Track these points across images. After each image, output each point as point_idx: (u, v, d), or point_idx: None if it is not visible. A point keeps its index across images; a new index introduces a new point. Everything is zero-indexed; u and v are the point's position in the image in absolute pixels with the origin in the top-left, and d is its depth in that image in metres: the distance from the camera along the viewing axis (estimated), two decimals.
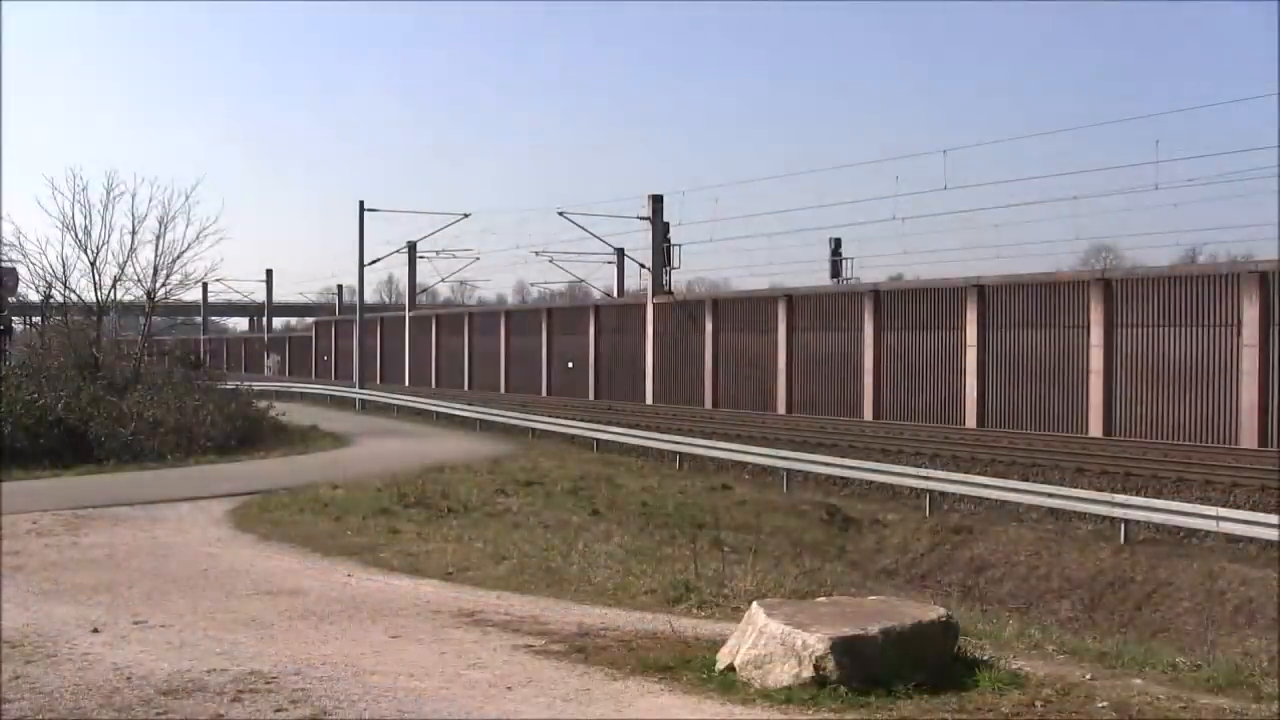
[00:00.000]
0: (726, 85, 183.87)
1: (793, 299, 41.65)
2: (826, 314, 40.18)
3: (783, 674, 6.62)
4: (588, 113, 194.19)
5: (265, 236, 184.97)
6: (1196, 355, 30.16)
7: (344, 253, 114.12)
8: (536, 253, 59.49)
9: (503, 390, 57.48)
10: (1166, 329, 30.71)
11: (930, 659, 6.80)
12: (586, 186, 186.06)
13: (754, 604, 7.23)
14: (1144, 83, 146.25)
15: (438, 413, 39.46)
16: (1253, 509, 17.69)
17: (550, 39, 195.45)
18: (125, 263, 29.07)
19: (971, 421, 34.31)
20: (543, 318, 57.72)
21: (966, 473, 22.43)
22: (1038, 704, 6.38)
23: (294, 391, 51.19)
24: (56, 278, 29.39)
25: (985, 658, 7.26)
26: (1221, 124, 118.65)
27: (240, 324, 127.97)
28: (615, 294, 60.84)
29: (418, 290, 73.69)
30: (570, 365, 53.98)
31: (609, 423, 32.63)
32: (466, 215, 54.02)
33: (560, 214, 52.57)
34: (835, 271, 51.05)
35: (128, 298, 30.91)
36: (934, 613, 7.17)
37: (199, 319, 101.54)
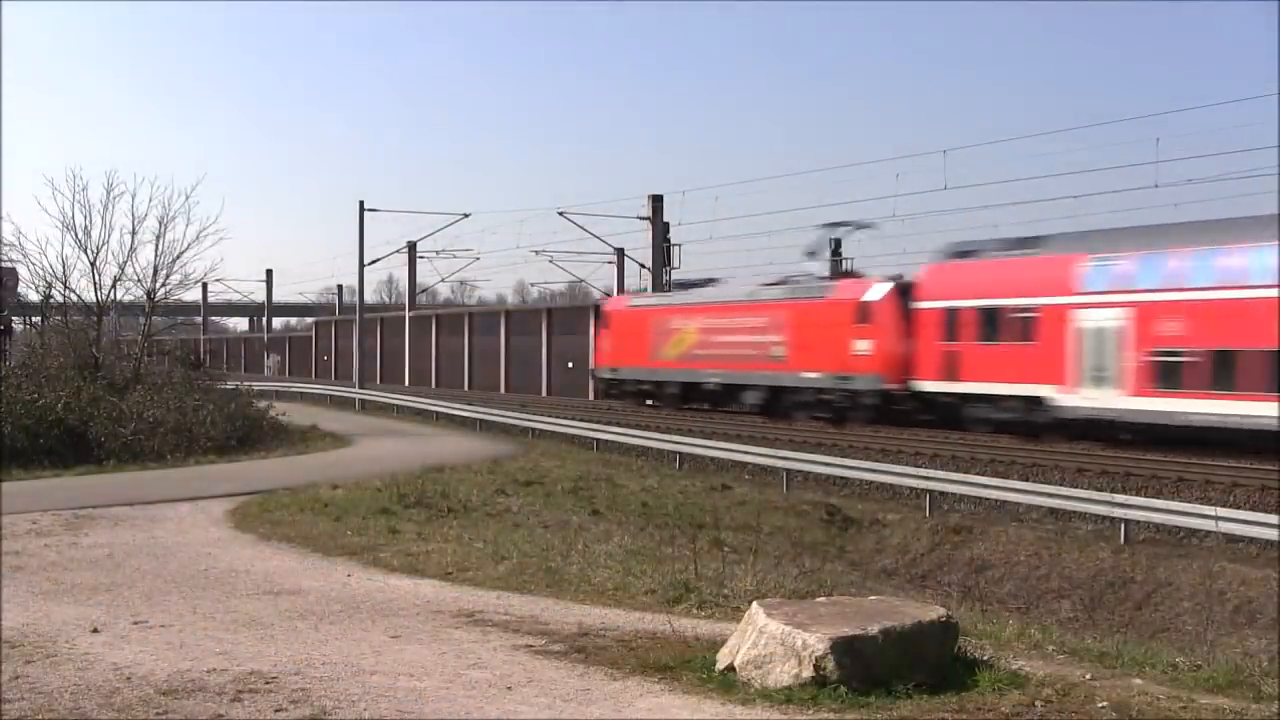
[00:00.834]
0: (726, 85, 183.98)
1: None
2: None
3: (783, 674, 6.62)
4: (588, 112, 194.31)
5: (265, 236, 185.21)
6: None
7: (344, 253, 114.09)
8: (536, 252, 59.41)
9: (503, 390, 57.56)
10: None
11: (930, 659, 6.80)
12: (587, 186, 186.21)
13: (754, 604, 7.23)
14: (1144, 83, 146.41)
15: (438, 413, 39.46)
16: (1253, 509, 17.69)
17: (551, 39, 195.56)
18: (125, 263, 29.08)
19: None
20: (543, 318, 57.91)
21: (966, 473, 22.42)
22: (1038, 704, 6.39)
23: (294, 391, 51.18)
24: (56, 278, 29.40)
25: (985, 658, 7.26)
26: (1221, 124, 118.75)
27: (240, 324, 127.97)
28: (615, 294, 60.80)
29: (418, 290, 73.69)
30: (570, 365, 54.06)
31: (609, 423, 32.62)
32: (466, 215, 54.05)
33: (560, 214, 52.56)
34: (834, 271, 51.06)
35: (128, 298, 30.93)
36: (934, 613, 7.18)
37: (199, 319, 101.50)
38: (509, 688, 6.96)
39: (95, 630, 8.60)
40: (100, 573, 11.30)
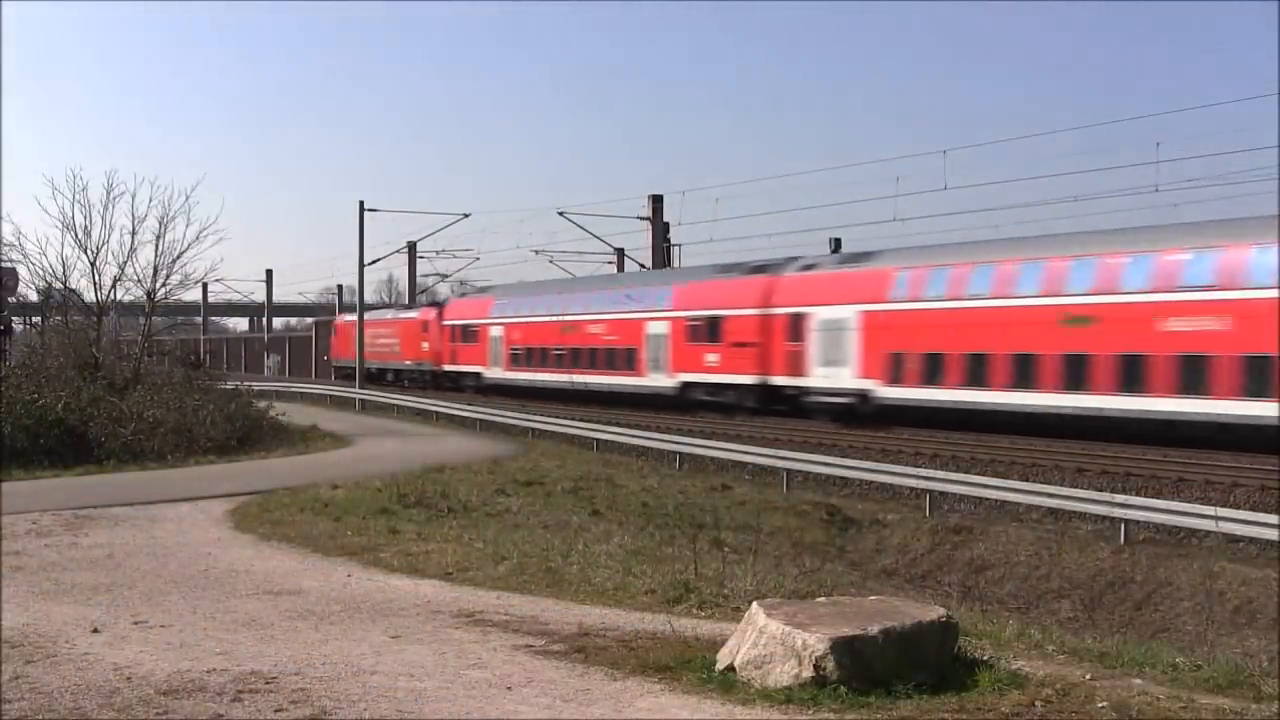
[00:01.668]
0: (727, 85, 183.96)
1: None
2: None
3: (783, 674, 6.62)
4: (588, 112, 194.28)
5: (265, 236, 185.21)
6: None
7: (344, 253, 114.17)
8: (536, 252, 59.47)
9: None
10: None
11: (930, 659, 6.80)
12: (587, 186, 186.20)
13: (754, 604, 7.23)
14: (1144, 83, 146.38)
15: (438, 413, 39.45)
16: (1253, 509, 17.68)
17: (551, 39, 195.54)
18: (125, 263, 29.07)
19: None
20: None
21: (966, 473, 22.42)
22: (1038, 704, 6.38)
23: (294, 391, 51.18)
24: (56, 278, 29.43)
25: (985, 658, 7.26)
26: (1221, 124, 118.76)
27: (240, 324, 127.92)
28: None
29: (418, 290, 73.67)
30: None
31: (609, 423, 32.61)
32: (466, 215, 54.20)
33: (560, 214, 52.72)
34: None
35: (128, 298, 30.93)
36: (934, 613, 7.17)
37: (199, 319, 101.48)
38: (509, 688, 6.95)
39: (95, 630, 8.60)
40: (100, 573, 11.30)
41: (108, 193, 28.55)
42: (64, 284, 29.57)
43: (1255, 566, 16.07)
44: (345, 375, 60.71)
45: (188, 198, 29.09)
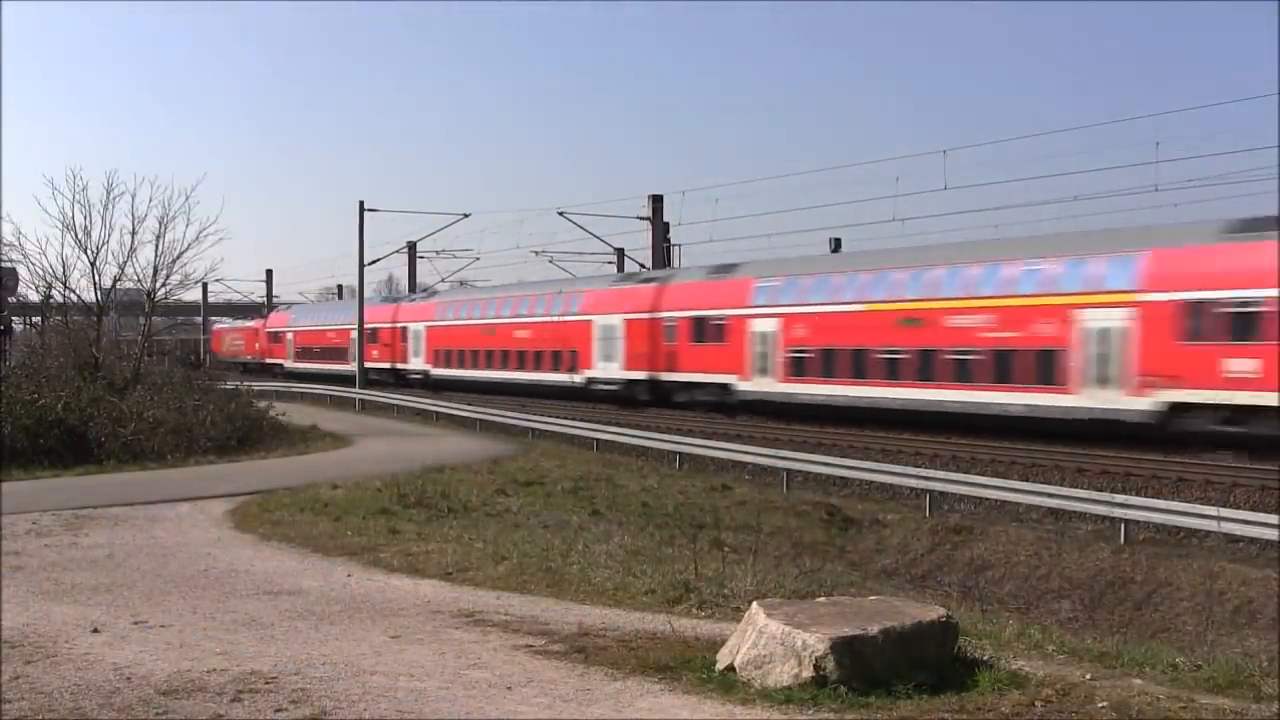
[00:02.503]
0: (727, 85, 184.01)
1: None
2: None
3: (783, 674, 6.62)
4: (588, 113, 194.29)
5: (265, 236, 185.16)
6: None
7: (344, 253, 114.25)
8: (536, 253, 59.45)
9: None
10: None
11: (930, 659, 6.80)
12: (587, 186, 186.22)
13: (754, 604, 7.23)
14: (1144, 83, 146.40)
15: (438, 413, 39.45)
16: (1253, 509, 17.69)
17: (551, 39, 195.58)
18: (125, 263, 29.11)
19: None
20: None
21: (966, 473, 22.42)
22: (1038, 704, 6.38)
23: (294, 391, 51.16)
24: (56, 278, 29.45)
25: (985, 658, 7.26)
26: (1221, 124, 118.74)
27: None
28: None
29: (418, 290, 73.60)
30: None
31: (609, 423, 32.62)
32: (466, 215, 54.22)
33: (560, 214, 52.66)
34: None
35: (127, 298, 30.92)
36: (934, 613, 7.17)
37: (199, 319, 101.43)
38: (509, 688, 6.95)
39: (95, 630, 8.60)
40: (100, 573, 11.30)
41: (108, 193, 28.66)
42: (64, 284, 29.61)
43: (1255, 566, 16.08)
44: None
45: (187, 198, 29.21)
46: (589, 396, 42.75)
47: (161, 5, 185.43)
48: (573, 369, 44.39)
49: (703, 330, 37.70)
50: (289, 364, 70.72)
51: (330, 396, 48.93)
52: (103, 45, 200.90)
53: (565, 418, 34.43)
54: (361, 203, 49.47)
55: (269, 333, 76.93)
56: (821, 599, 8.25)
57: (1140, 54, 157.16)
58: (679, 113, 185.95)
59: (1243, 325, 23.56)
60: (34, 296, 32.58)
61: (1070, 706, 6.37)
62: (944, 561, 18.82)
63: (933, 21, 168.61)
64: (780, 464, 23.73)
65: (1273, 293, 22.92)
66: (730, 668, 6.96)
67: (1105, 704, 6.39)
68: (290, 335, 72.66)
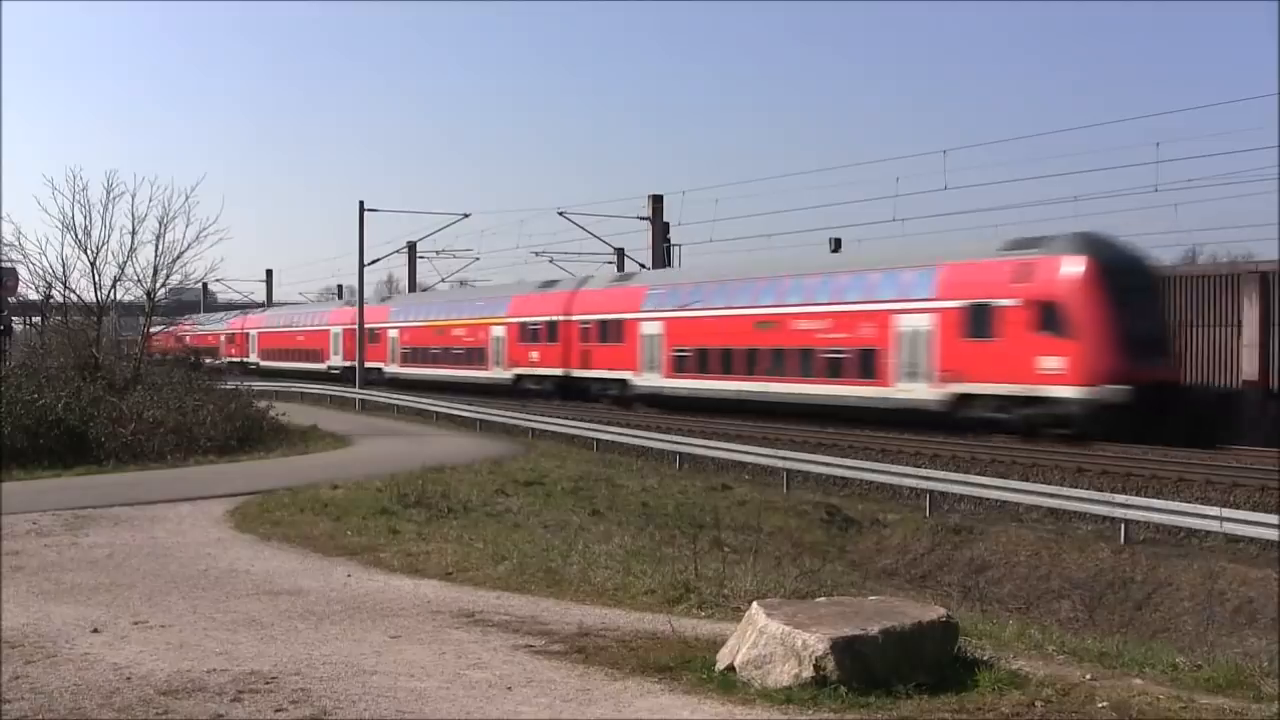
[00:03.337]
0: (727, 85, 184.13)
1: None
2: None
3: (783, 674, 6.62)
4: (588, 113, 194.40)
5: (265, 236, 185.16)
6: (1196, 355, 30.14)
7: (344, 253, 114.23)
8: (536, 253, 59.38)
9: None
10: None
11: (930, 659, 6.80)
12: (587, 186, 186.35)
13: (754, 604, 7.23)
14: (1144, 83, 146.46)
15: (438, 413, 39.45)
16: (1253, 509, 17.68)
17: (551, 38, 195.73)
18: (125, 263, 29.09)
19: None
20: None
21: (966, 473, 22.40)
22: (1038, 704, 6.39)
23: (294, 391, 51.16)
24: (56, 278, 29.44)
25: (985, 658, 7.26)
26: (1221, 124, 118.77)
27: None
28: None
29: (418, 290, 73.61)
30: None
31: (609, 423, 32.64)
32: (466, 215, 54.25)
33: (560, 214, 52.66)
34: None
35: (128, 298, 30.93)
36: (934, 613, 7.18)
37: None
38: (509, 688, 6.96)
39: (95, 630, 8.60)
40: (100, 573, 11.30)
41: (108, 193, 28.57)
42: (64, 284, 29.62)
43: (1255, 566, 16.07)
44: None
45: (187, 198, 29.12)
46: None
47: (161, 5, 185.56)
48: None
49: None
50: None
51: (330, 396, 48.95)
52: (103, 45, 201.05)
53: (565, 418, 34.42)
54: (361, 203, 49.57)
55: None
56: (821, 599, 8.26)
57: (1140, 54, 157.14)
58: (679, 113, 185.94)
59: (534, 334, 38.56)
60: (34, 296, 32.60)
61: (1070, 706, 6.37)
62: (944, 561, 18.82)
63: (933, 21, 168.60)
64: (780, 464, 23.73)
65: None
66: (730, 668, 6.96)
67: (1105, 704, 6.39)
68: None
